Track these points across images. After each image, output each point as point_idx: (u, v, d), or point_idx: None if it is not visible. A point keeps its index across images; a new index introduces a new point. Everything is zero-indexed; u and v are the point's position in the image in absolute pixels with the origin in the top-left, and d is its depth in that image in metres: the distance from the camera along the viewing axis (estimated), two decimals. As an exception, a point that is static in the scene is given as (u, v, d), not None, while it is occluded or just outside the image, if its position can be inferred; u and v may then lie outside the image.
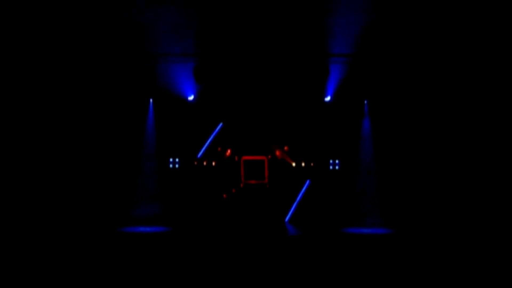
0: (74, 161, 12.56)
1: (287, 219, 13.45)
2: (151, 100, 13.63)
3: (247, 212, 13.57)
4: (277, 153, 13.86)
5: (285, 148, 13.89)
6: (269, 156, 13.85)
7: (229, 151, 13.90)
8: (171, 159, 13.76)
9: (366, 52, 11.71)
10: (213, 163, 13.85)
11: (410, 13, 9.33)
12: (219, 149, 13.92)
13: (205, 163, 13.80)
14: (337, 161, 13.72)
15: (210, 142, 13.82)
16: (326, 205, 13.38)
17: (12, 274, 7.63)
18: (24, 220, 11.19)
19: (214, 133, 13.21)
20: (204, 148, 13.79)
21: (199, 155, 13.76)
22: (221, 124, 13.33)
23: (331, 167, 13.73)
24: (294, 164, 13.73)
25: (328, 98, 13.37)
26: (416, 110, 12.66)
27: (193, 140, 13.74)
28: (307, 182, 13.64)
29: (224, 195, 13.81)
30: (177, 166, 13.71)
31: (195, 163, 13.73)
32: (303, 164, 13.76)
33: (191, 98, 13.52)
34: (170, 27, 10.18)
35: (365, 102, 13.49)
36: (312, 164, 13.75)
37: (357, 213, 13.12)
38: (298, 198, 13.62)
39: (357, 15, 9.42)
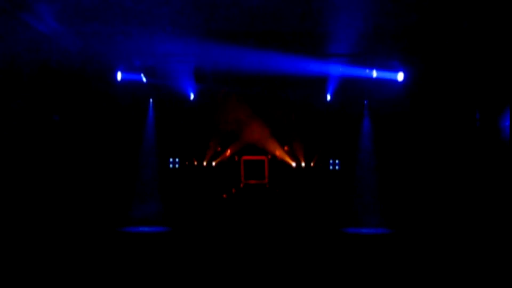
0: (75, 162, 12.56)
1: None
2: (151, 100, 13.65)
3: (247, 212, 13.56)
4: (277, 153, 13.88)
5: (285, 148, 13.90)
6: (269, 156, 13.87)
7: (229, 151, 13.92)
8: (171, 159, 13.77)
9: (366, 52, 11.71)
10: (213, 163, 13.88)
11: (412, 12, 9.34)
12: (219, 149, 13.94)
13: (205, 163, 13.83)
14: (337, 161, 13.73)
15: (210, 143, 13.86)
16: (326, 205, 13.38)
17: (13, 274, 7.64)
18: (24, 220, 11.17)
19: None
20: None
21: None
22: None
23: (331, 167, 13.74)
24: (294, 164, 13.75)
25: (328, 98, 13.37)
26: (416, 110, 12.65)
27: (193, 140, 13.76)
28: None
29: (224, 195, 13.82)
30: (177, 166, 13.73)
31: (195, 163, 13.76)
32: (303, 164, 13.78)
33: (191, 98, 13.53)
34: (170, 27, 10.19)
35: (365, 102, 13.50)
36: (312, 164, 13.77)
37: (357, 213, 13.13)
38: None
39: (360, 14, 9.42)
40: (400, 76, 12.11)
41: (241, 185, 13.83)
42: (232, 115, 13.25)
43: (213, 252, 9.56)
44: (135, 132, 13.43)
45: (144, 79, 12.64)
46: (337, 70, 12.19)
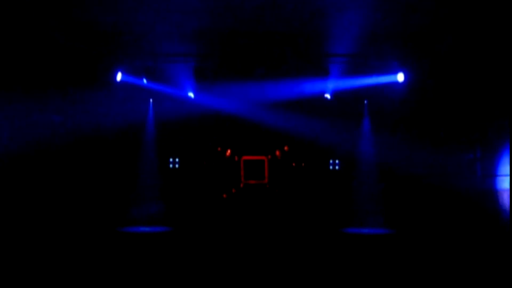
0: (74, 161, 12.55)
1: None
2: (151, 100, 13.64)
3: (247, 212, 13.56)
4: (277, 153, 13.88)
5: (285, 148, 13.89)
6: (269, 156, 13.86)
7: (229, 151, 13.91)
8: (171, 159, 13.76)
9: (366, 52, 11.70)
10: (213, 163, 13.87)
11: (413, 11, 9.33)
12: (219, 149, 13.93)
13: (205, 163, 13.82)
14: (337, 161, 13.72)
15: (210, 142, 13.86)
16: (326, 205, 13.38)
17: (12, 274, 7.63)
18: (24, 220, 11.17)
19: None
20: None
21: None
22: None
23: (331, 167, 13.73)
24: (294, 164, 13.75)
25: (328, 98, 13.36)
26: (416, 110, 12.65)
27: (193, 140, 13.75)
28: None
29: (224, 195, 13.81)
30: (177, 166, 13.72)
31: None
32: (303, 164, 13.77)
33: (191, 98, 13.52)
34: (170, 27, 10.19)
35: (365, 102, 13.50)
36: (312, 164, 13.76)
37: (357, 213, 13.12)
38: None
39: (358, 13, 9.42)
40: (401, 77, 12.12)
41: (241, 185, 13.82)
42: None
43: (214, 252, 9.56)
44: (135, 132, 13.43)
45: (145, 81, 12.64)
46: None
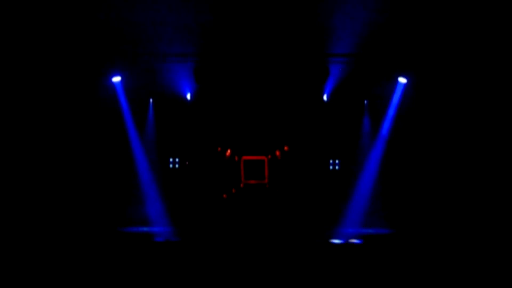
0: (75, 161, 12.55)
1: None
2: (151, 100, 13.65)
3: (247, 212, 13.56)
4: (277, 153, 13.88)
5: (285, 148, 13.90)
6: (269, 156, 13.86)
7: (229, 151, 13.91)
8: (171, 159, 13.76)
9: (366, 52, 11.70)
10: (213, 163, 13.88)
11: (413, 12, 9.33)
12: (219, 149, 13.93)
13: (205, 163, 13.83)
14: (337, 161, 13.72)
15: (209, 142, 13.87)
16: (326, 205, 13.38)
17: (12, 274, 7.63)
18: (23, 220, 11.17)
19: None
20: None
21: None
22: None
23: (331, 167, 13.73)
24: (294, 164, 13.76)
25: (327, 98, 13.37)
26: (416, 110, 12.65)
27: (193, 140, 13.76)
28: None
29: (224, 195, 13.81)
30: (177, 166, 13.73)
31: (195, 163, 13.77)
32: (303, 164, 13.78)
33: (190, 98, 13.52)
34: (170, 27, 10.19)
35: (365, 102, 13.50)
36: (312, 164, 13.76)
37: (358, 213, 13.12)
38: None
39: (359, 14, 9.42)
40: (402, 78, 12.15)
41: (241, 185, 13.82)
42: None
43: (213, 252, 9.55)
44: (135, 132, 13.42)
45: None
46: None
